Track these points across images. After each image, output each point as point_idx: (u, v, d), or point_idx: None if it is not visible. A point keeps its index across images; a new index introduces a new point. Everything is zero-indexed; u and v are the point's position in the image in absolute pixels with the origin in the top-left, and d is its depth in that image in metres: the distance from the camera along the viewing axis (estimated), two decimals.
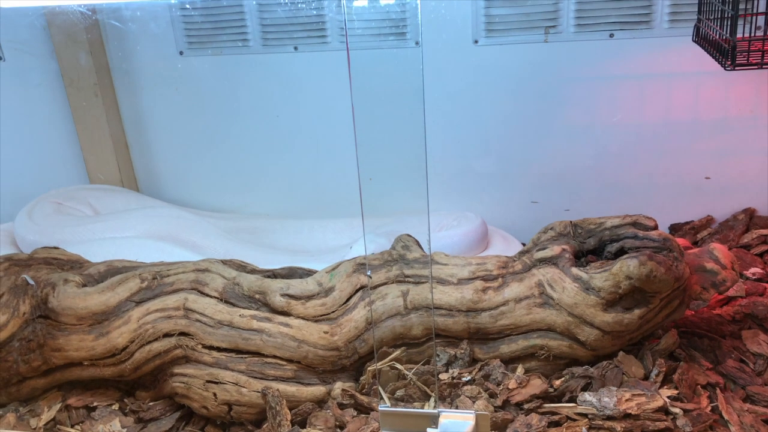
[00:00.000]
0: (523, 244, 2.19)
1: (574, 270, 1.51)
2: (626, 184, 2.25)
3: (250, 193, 2.47)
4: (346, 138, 2.31)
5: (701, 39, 1.66)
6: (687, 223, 2.25)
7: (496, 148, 2.29)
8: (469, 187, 2.33)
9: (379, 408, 1.20)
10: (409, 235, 1.71)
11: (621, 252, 1.53)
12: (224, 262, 1.67)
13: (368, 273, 1.52)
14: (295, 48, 2.22)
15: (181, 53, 2.29)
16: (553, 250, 1.57)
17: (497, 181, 2.32)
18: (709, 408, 1.45)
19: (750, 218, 2.18)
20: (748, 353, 1.66)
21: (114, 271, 1.67)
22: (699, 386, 1.51)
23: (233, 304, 1.54)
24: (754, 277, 1.97)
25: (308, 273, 1.70)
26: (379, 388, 1.49)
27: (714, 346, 1.66)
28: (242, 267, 1.67)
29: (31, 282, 1.60)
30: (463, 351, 1.52)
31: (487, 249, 2.07)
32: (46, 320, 1.56)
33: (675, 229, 2.26)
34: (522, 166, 2.29)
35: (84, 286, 1.61)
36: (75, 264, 1.74)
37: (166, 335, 1.52)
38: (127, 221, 2.09)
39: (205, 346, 1.51)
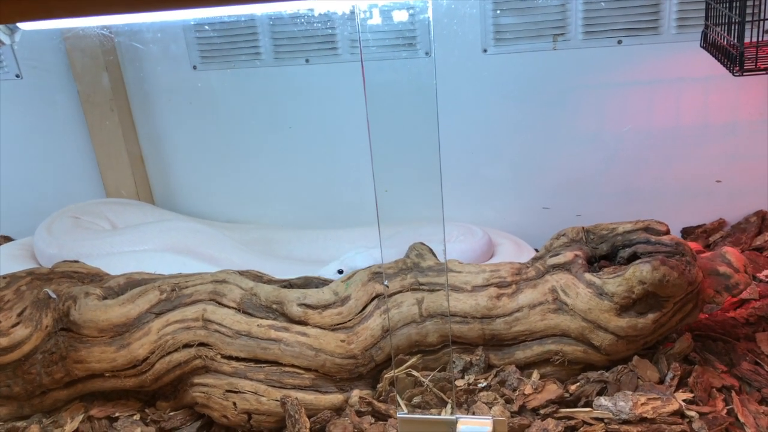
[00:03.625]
0: (536, 250, 2.20)
1: (588, 275, 1.52)
2: (637, 189, 2.26)
3: (264, 204, 2.51)
4: (358, 148, 2.34)
5: (709, 45, 1.68)
6: (699, 226, 2.26)
7: (507, 155, 2.30)
8: (480, 194, 2.35)
9: (398, 415, 1.22)
10: (422, 244, 1.73)
11: (634, 257, 1.54)
12: (241, 273, 1.70)
13: (385, 283, 1.54)
14: (307, 60, 2.26)
15: (194, 68, 2.33)
16: (566, 256, 1.59)
17: (508, 188, 2.34)
18: (725, 411, 1.45)
19: (762, 221, 2.18)
20: (763, 356, 1.66)
21: (133, 283, 1.70)
22: (714, 389, 1.51)
23: (251, 314, 1.57)
24: (767, 280, 1.98)
25: (324, 282, 1.72)
26: (396, 395, 1.51)
27: (728, 349, 1.67)
28: (259, 277, 1.70)
29: (53, 295, 1.63)
30: (478, 357, 1.54)
31: (498, 255, 2.08)
32: (68, 333, 1.59)
33: (687, 232, 2.26)
34: (533, 173, 2.31)
35: (105, 298, 1.64)
36: (95, 277, 1.77)
37: (186, 346, 1.55)
38: (145, 234, 2.13)
39: (224, 356, 1.53)
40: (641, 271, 1.44)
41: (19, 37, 1.25)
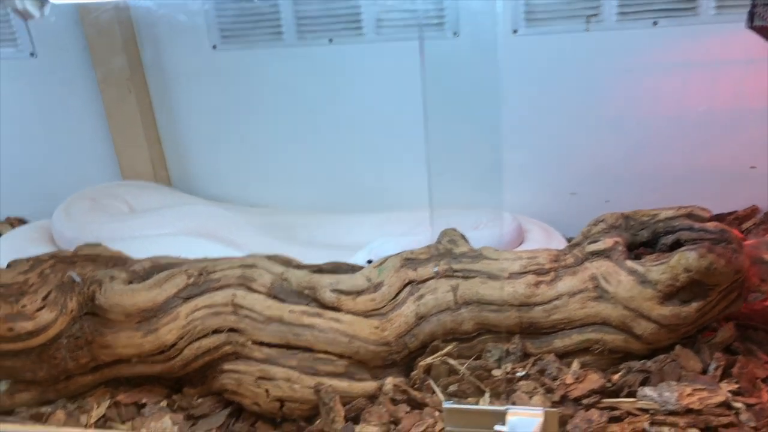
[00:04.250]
0: (566, 237, 2.16)
1: (629, 263, 1.48)
2: (667, 175, 2.21)
3: (284, 187, 2.46)
4: (381, 131, 2.29)
5: (757, 25, 1.62)
6: (731, 213, 2.21)
7: (534, 140, 2.25)
8: (507, 179, 2.30)
9: (444, 405, 1.18)
10: (454, 229, 1.69)
11: (677, 244, 1.50)
12: (270, 258, 1.65)
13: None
14: (330, 40, 2.20)
15: (214, 47, 2.28)
16: (606, 242, 1.54)
17: (535, 173, 2.29)
18: None
19: None
20: None
21: (159, 267, 1.66)
22: (759, 380, 1.47)
23: (282, 300, 1.53)
24: None
25: (353, 268, 1.68)
26: (432, 383, 1.47)
27: None
28: (288, 262, 1.66)
29: (78, 279, 1.59)
30: (515, 346, 1.50)
31: (528, 242, 2.04)
32: (94, 317, 1.56)
33: (719, 219, 2.21)
34: (561, 158, 2.26)
35: (130, 282, 1.60)
36: (118, 260, 1.73)
37: (215, 332, 1.51)
38: (165, 218, 2.08)
39: (255, 342, 1.49)
40: (687, 258, 1.40)
41: (48, 10, 1.19)
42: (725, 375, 1.46)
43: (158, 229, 2.05)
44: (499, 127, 2.03)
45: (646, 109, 2.13)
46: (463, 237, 1.66)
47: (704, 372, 1.46)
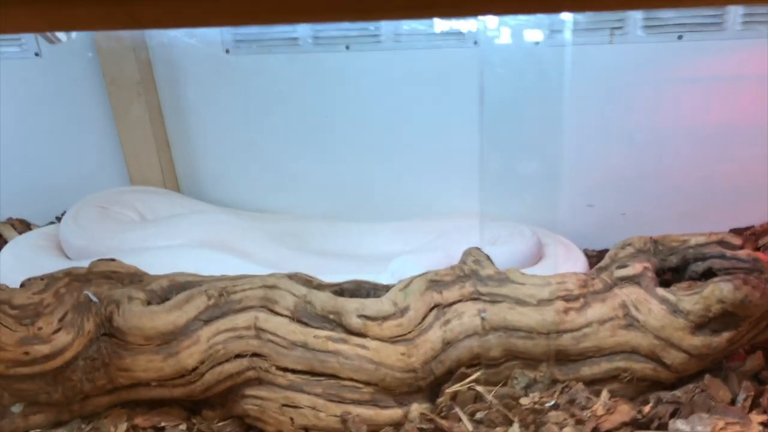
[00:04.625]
0: (585, 252, 2.14)
1: (660, 291, 1.46)
2: (685, 188, 2.19)
3: (295, 194, 2.42)
4: (396, 139, 2.25)
5: None
6: (748, 228, 2.20)
7: (551, 150, 2.22)
8: (522, 190, 2.27)
9: None
10: (478, 249, 1.66)
11: (708, 272, 1.48)
12: (290, 277, 1.62)
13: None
14: (347, 47, 2.15)
15: (227, 52, 2.22)
16: (635, 268, 1.52)
17: (551, 184, 2.26)
18: None
19: None
20: None
21: (177, 286, 1.62)
22: None
23: (306, 324, 1.49)
24: None
25: (374, 287, 1.65)
26: (459, 410, 1.45)
27: None
28: (309, 282, 1.62)
29: (95, 299, 1.55)
30: (542, 374, 1.48)
31: (547, 258, 2.01)
32: (111, 338, 1.52)
33: (736, 233, 2.20)
34: (578, 169, 2.23)
35: (148, 302, 1.56)
36: (134, 277, 1.69)
37: (238, 356, 1.48)
38: (178, 227, 2.04)
39: (279, 368, 1.46)
40: (721, 290, 1.38)
41: (74, 34, 1.14)
42: (754, 405, 1.45)
43: (170, 240, 2.01)
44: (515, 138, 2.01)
45: (666, 122, 2.11)
46: (488, 258, 1.63)
47: (733, 402, 1.45)
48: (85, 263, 1.78)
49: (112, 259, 1.74)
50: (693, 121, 2.09)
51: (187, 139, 2.39)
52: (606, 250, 2.31)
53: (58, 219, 2.56)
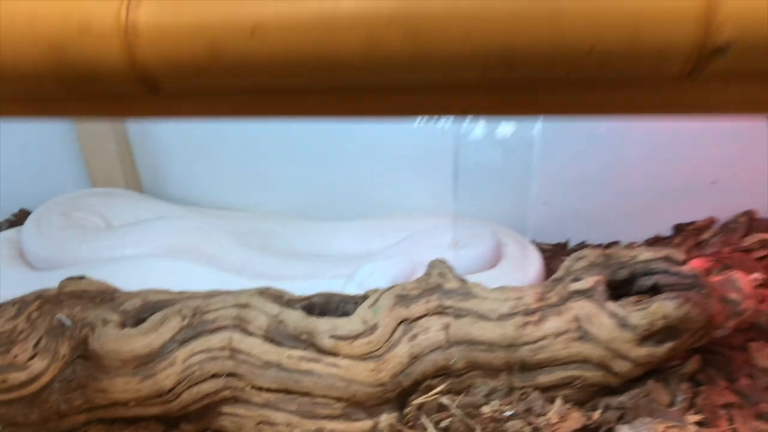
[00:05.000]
0: (545, 250, 2.24)
1: (611, 305, 1.57)
2: (636, 187, 2.30)
3: (262, 192, 2.44)
4: (361, 130, 2.27)
5: None
6: (691, 223, 2.34)
7: (513, 148, 2.30)
8: (481, 187, 2.35)
9: None
10: (443, 261, 1.74)
11: (654, 286, 1.60)
12: (261, 294, 1.67)
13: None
14: None
15: None
16: (588, 281, 1.62)
17: (512, 181, 2.35)
18: (730, 430, 1.57)
19: (750, 221, 2.28)
20: (756, 368, 1.78)
21: (150, 305, 1.65)
22: (718, 408, 1.62)
23: (279, 343, 1.56)
24: (756, 284, 2.09)
25: (342, 299, 1.72)
26: (425, 420, 1.55)
27: (727, 362, 1.78)
28: (280, 298, 1.68)
29: (68, 323, 1.57)
30: (501, 383, 1.59)
31: (504, 259, 2.11)
32: (87, 360, 1.55)
33: (679, 229, 2.35)
34: (536, 166, 2.31)
35: (122, 324, 1.59)
36: (105, 295, 1.71)
37: (214, 376, 1.54)
38: (144, 235, 2.05)
39: (254, 387, 1.53)
40: (665, 307, 1.50)
41: None
42: (691, 406, 1.60)
43: (137, 248, 2.02)
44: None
45: (618, 124, 2.20)
46: (451, 270, 1.72)
47: (672, 404, 1.60)
48: (53, 277, 1.79)
49: (82, 277, 1.75)
50: (644, 123, 2.19)
51: (148, 136, 2.37)
52: (560, 244, 2.43)
53: (15, 216, 2.52)
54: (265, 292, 1.68)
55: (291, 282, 1.98)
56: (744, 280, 1.68)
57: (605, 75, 0.61)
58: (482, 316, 1.59)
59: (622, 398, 1.57)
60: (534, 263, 2.06)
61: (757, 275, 2.13)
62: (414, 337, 1.58)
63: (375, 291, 1.73)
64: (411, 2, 0.60)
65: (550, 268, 2.17)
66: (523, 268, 2.00)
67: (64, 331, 1.57)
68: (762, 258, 2.20)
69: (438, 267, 1.71)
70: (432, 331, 1.58)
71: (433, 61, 0.62)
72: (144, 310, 1.64)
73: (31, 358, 1.52)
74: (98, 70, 0.68)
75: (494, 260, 2.08)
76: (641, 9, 0.58)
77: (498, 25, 0.58)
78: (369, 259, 2.05)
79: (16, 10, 0.66)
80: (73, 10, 0.67)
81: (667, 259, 1.63)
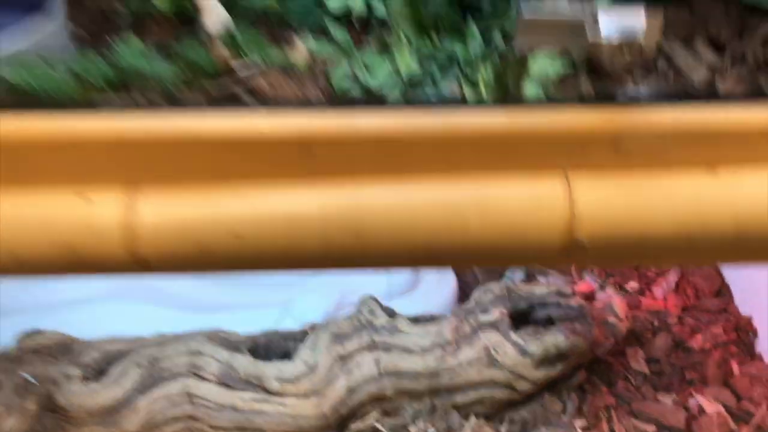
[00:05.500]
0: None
1: (513, 336, 1.88)
2: None
3: None
4: None
5: None
6: None
7: None
8: None
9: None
10: (372, 298, 1.99)
11: (549, 318, 1.92)
12: (210, 338, 1.86)
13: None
14: None
15: None
16: (494, 314, 1.92)
17: None
18: (608, 430, 1.94)
19: None
20: (632, 371, 2.16)
21: (108, 356, 1.81)
22: (600, 411, 1.99)
23: (232, 387, 1.77)
24: (632, 292, 2.47)
25: (284, 337, 1.94)
26: None
27: (608, 368, 2.15)
28: (227, 341, 1.88)
29: (33, 380, 1.71)
30: (425, 405, 1.88)
31: (420, 284, 2.36)
32: (54, 413, 1.71)
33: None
34: None
35: (85, 377, 1.75)
36: (63, 347, 1.85)
37: (175, 419, 1.73)
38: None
39: (212, 427, 1.74)
40: (556, 338, 1.82)
41: None
42: (579, 412, 1.96)
43: (81, 290, 2.13)
44: None
45: None
46: (380, 306, 1.97)
47: (563, 412, 1.95)
48: (5, 328, 1.90)
49: (38, 331, 1.88)
50: None
51: None
52: None
53: None
54: (213, 337, 1.88)
55: (231, 313, 2.18)
56: (620, 305, 2.03)
57: (500, 258, 0.86)
58: (407, 350, 1.86)
59: (523, 412, 1.90)
60: (448, 286, 2.33)
61: (633, 283, 2.53)
62: (350, 372, 1.83)
63: (311, 326, 1.96)
64: (357, 211, 0.82)
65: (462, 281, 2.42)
66: (437, 293, 2.27)
67: (27, 386, 1.71)
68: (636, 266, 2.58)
69: (368, 304, 1.96)
70: (365, 366, 1.84)
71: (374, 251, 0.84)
72: (103, 360, 1.80)
73: (2, 417, 1.66)
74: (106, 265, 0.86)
75: (410, 285, 2.34)
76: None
77: (422, 230, 0.81)
78: (299, 284, 2.25)
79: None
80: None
81: (558, 293, 1.95)
